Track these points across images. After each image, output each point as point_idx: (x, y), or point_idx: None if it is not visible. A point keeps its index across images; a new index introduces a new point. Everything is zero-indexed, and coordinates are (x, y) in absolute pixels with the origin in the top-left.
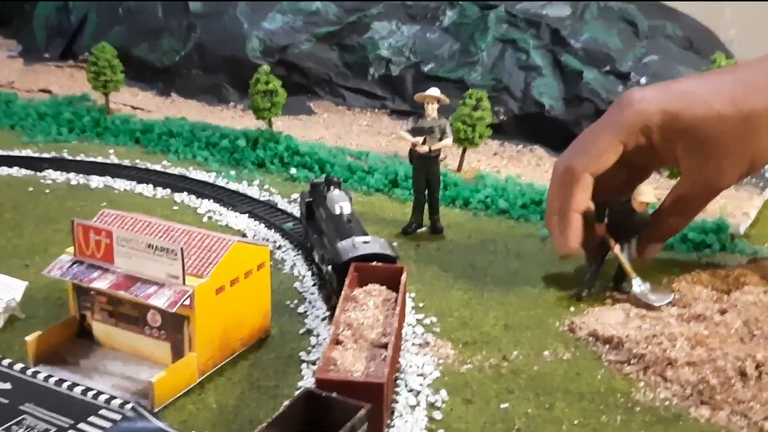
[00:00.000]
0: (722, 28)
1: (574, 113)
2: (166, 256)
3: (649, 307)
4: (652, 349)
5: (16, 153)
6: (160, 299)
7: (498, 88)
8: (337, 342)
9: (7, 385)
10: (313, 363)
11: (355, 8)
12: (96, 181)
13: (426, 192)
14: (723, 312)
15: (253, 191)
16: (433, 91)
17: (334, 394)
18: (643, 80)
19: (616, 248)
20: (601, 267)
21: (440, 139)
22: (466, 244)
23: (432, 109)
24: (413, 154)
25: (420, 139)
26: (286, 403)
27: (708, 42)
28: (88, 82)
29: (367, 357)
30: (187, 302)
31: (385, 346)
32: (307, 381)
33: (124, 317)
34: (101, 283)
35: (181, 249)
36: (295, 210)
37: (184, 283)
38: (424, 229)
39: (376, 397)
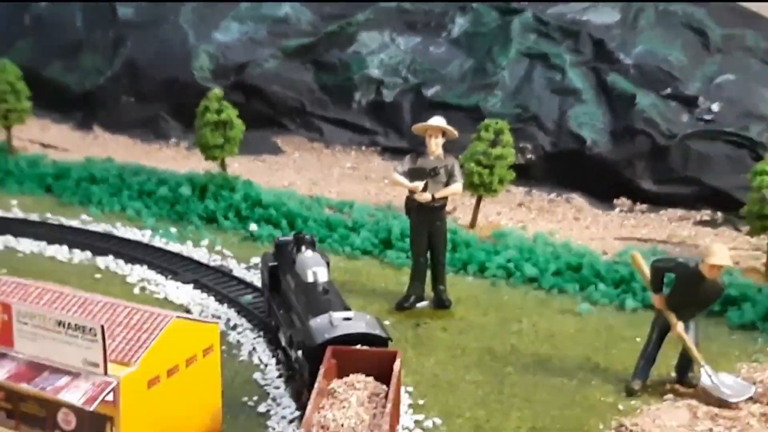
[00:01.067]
0: None
1: (625, 151)
2: (82, 336)
3: (723, 403)
4: None
5: None
6: (75, 394)
7: (524, 117)
8: None
9: None
10: None
11: (336, 14)
12: None
13: (428, 254)
14: None
15: (201, 254)
16: (437, 121)
17: None
18: (714, 107)
19: (679, 327)
20: (658, 351)
21: (446, 184)
22: (482, 323)
23: (436, 145)
24: (411, 204)
25: (420, 185)
26: None
27: None
28: None
29: None
30: (110, 398)
31: None
32: None
33: (28, 418)
34: None
35: (102, 327)
36: (256, 279)
37: (105, 372)
38: (425, 303)
39: None
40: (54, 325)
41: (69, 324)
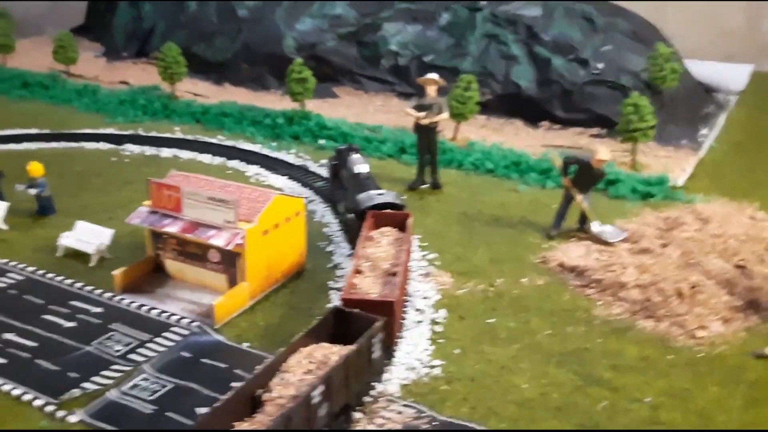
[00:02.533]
0: (665, 24)
1: (545, 93)
2: (224, 206)
3: (606, 243)
4: (608, 275)
5: (101, 131)
6: (219, 240)
7: (484, 74)
8: (357, 271)
9: (99, 309)
10: (339, 290)
11: (370, 12)
12: (165, 152)
13: (428, 156)
14: (664, 246)
15: (290, 158)
16: (432, 76)
17: (357, 310)
18: (600, 66)
19: (579, 197)
20: (567, 212)
21: (438, 114)
22: (460, 198)
23: (432, 90)
24: (417, 126)
25: (423, 114)
26: (318, 317)
27: (652, 35)
28: (158, 74)
29: (381, 283)
30: (240, 242)
31: (395, 274)
32: (335, 303)
33: (190, 255)
34: (172, 228)
35: (236, 200)
36: (324, 172)
37: (237, 226)
38: (426, 185)
39: (389, 312)
40: (206, 199)
41: (215, 198)
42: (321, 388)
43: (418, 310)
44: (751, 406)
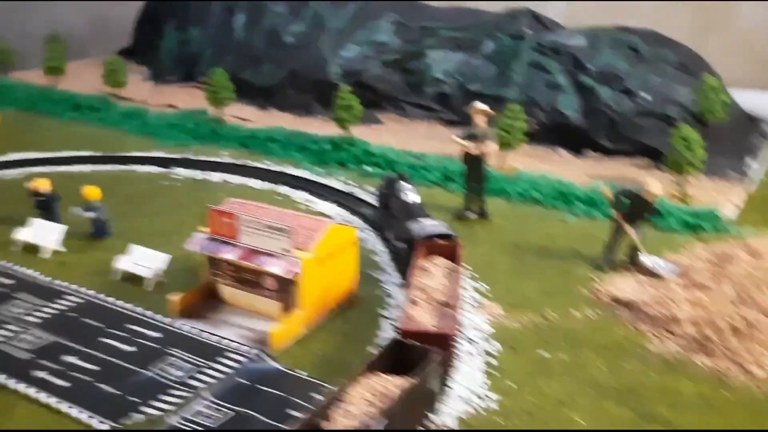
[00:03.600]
0: (707, 52)
1: (591, 122)
2: (280, 234)
3: (657, 277)
4: (661, 310)
5: (151, 154)
6: (276, 267)
7: (529, 103)
8: (412, 302)
9: (159, 334)
10: (392, 319)
11: (415, 39)
12: (215, 177)
13: (475, 185)
14: (718, 281)
15: (337, 184)
16: (482, 106)
17: (417, 343)
18: (646, 96)
19: (631, 231)
20: (617, 245)
21: (487, 144)
22: (508, 228)
23: (481, 121)
24: (466, 156)
25: (472, 144)
26: (377, 348)
27: (697, 64)
28: (205, 99)
29: (437, 314)
30: (297, 270)
31: (449, 305)
32: (387, 333)
33: (246, 282)
34: (229, 254)
35: (292, 228)
36: (371, 199)
37: (293, 255)
38: (474, 215)
39: (447, 345)
40: (263, 227)
41: (272, 226)
42: (385, 422)
43: (470, 341)
44: None
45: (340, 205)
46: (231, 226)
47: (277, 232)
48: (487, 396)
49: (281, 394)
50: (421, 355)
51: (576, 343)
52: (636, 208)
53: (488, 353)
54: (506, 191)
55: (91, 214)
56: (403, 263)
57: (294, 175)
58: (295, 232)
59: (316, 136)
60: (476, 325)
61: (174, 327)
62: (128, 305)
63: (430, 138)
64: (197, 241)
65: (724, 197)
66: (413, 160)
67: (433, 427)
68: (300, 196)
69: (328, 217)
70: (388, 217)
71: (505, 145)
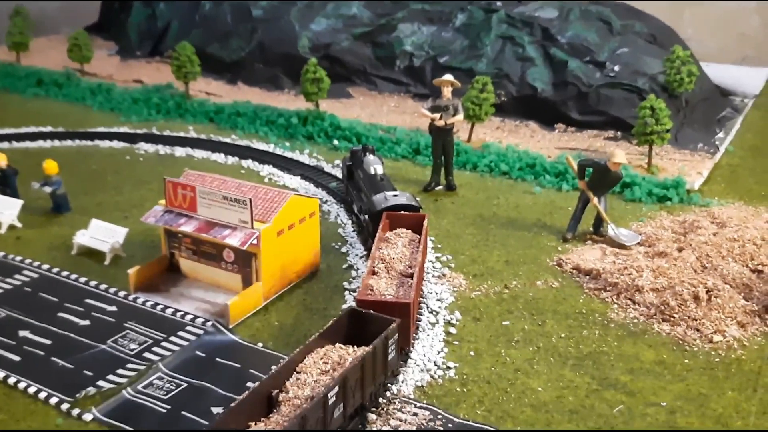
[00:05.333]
0: (681, 27)
1: (561, 95)
2: (238, 206)
3: (621, 246)
4: (624, 279)
5: (115, 130)
6: (234, 239)
7: (500, 75)
8: (373, 272)
9: (114, 308)
10: (354, 291)
11: (385, 13)
12: (179, 151)
13: (442, 157)
14: (680, 249)
15: (304, 158)
16: (448, 77)
17: (372, 312)
18: (616, 68)
19: (595, 200)
20: (582, 215)
21: (453, 115)
22: (475, 199)
23: (447, 91)
24: (432, 127)
25: (438, 115)
26: (334, 318)
27: (669, 37)
28: (172, 73)
29: (396, 284)
30: (255, 242)
31: (411, 276)
32: (350, 304)
33: (205, 254)
34: (187, 227)
35: (250, 200)
36: (338, 173)
37: (252, 227)
38: (441, 187)
39: (404, 314)
40: (221, 198)
41: (230, 198)
42: (336, 389)
43: (432, 311)
44: None
45: (306, 178)
46: (189, 198)
47: (234, 204)
48: (446, 365)
49: (238, 365)
50: (378, 324)
51: (538, 312)
52: (600, 177)
53: (449, 323)
54: (474, 163)
55: (48, 189)
56: (368, 235)
57: (259, 149)
58: (255, 203)
59: (283, 111)
60: (438, 295)
61: (130, 301)
62: (85, 279)
63: (400, 112)
64: (154, 214)
65: (691, 168)
66: (382, 133)
67: (389, 394)
68: (265, 170)
69: (293, 189)
70: (352, 190)
71: (473, 117)
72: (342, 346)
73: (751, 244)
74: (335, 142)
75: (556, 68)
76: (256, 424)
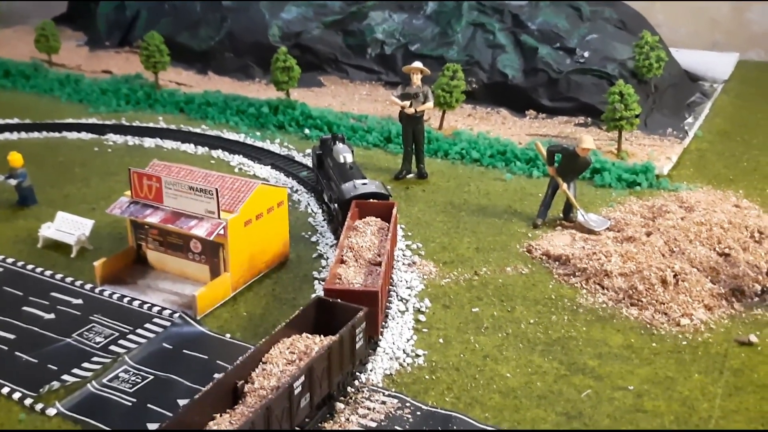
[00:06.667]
0: (652, 14)
1: (531, 81)
2: (205, 196)
3: (591, 231)
4: (592, 264)
5: (83, 121)
6: (200, 230)
7: (470, 62)
8: (341, 261)
9: (80, 301)
10: (323, 280)
11: (356, 1)
12: (148, 142)
13: (413, 145)
14: (649, 234)
15: (275, 148)
16: (417, 64)
17: (339, 301)
18: (586, 54)
19: (564, 186)
20: (552, 201)
21: (423, 103)
22: (446, 187)
23: (417, 79)
24: (402, 115)
25: (407, 103)
26: (300, 308)
27: (638, 23)
28: (141, 63)
29: (365, 272)
30: (222, 232)
31: (379, 264)
32: (320, 293)
33: (172, 246)
34: (153, 218)
35: (216, 190)
36: (309, 162)
37: (219, 217)
38: (412, 175)
39: (372, 302)
40: (187, 189)
41: (196, 188)
42: (302, 379)
43: (402, 299)
44: (734, 393)
45: (276, 168)
46: (155, 189)
47: (201, 194)
48: (415, 352)
49: (206, 357)
50: (345, 313)
51: (507, 298)
52: (569, 163)
53: (419, 310)
54: (445, 151)
55: (13, 181)
56: (338, 224)
57: (230, 139)
58: (221, 193)
59: (254, 100)
60: (408, 283)
61: (96, 293)
62: (50, 273)
63: (372, 100)
64: (119, 205)
65: (660, 153)
66: (354, 122)
67: (357, 383)
68: (235, 160)
69: (263, 179)
70: (322, 178)
71: (443, 104)
72: (309, 335)
73: (718, 228)
74: (306, 131)
75: (526, 55)
76: (221, 415)
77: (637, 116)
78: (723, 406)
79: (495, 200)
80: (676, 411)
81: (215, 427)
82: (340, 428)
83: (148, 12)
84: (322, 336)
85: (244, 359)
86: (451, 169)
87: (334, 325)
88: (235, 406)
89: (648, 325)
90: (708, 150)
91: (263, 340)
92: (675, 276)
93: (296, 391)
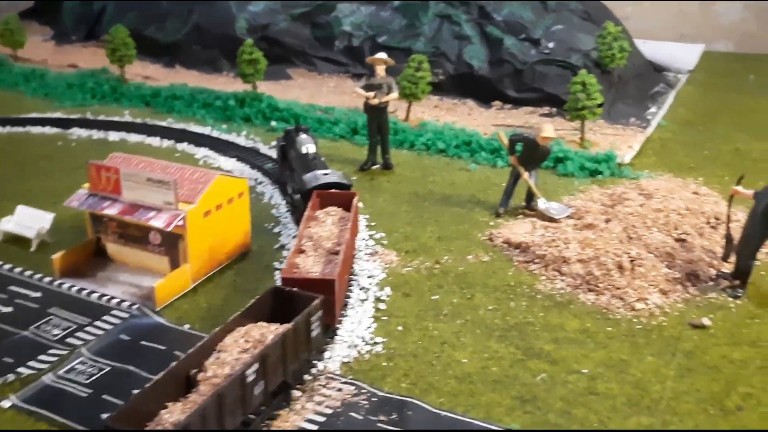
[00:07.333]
0: (621, 6)
1: (497, 72)
2: (163, 187)
3: (551, 219)
4: (551, 251)
5: (48, 115)
6: (159, 221)
7: (437, 54)
8: (300, 251)
9: (38, 294)
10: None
11: None
12: (113, 136)
13: (378, 136)
14: (608, 221)
15: (241, 140)
16: (381, 55)
17: (295, 289)
18: (550, 45)
19: (526, 174)
20: (514, 190)
21: (388, 94)
22: (411, 177)
23: (381, 70)
24: (367, 106)
25: (372, 94)
26: (256, 297)
27: (603, 14)
28: (107, 57)
29: (324, 262)
30: (181, 223)
31: (337, 253)
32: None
33: (131, 238)
34: (111, 210)
35: (174, 181)
36: (274, 154)
37: (177, 208)
38: (377, 166)
39: (329, 290)
40: (145, 180)
41: (154, 179)
42: (255, 366)
43: (362, 288)
44: (685, 375)
45: (242, 160)
46: (113, 180)
47: (159, 185)
48: (374, 340)
49: (163, 348)
50: (302, 301)
51: (467, 285)
52: (531, 152)
53: (379, 299)
54: (411, 142)
55: None
56: (300, 215)
57: (196, 132)
58: (181, 184)
59: (221, 93)
60: (370, 273)
61: (55, 286)
62: (9, 266)
63: (339, 92)
64: (78, 198)
65: (623, 142)
66: (320, 114)
67: (314, 371)
68: (200, 153)
69: (227, 171)
70: (286, 170)
71: (409, 95)
72: (264, 324)
73: (675, 214)
74: (273, 123)
75: (492, 46)
76: (174, 403)
77: (599, 106)
78: (674, 387)
79: (459, 190)
80: (628, 393)
81: (167, 415)
82: (295, 416)
83: (115, 6)
84: (278, 324)
85: (197, 348)
86: (417, 159)
87: (291, 314)
88: (188, 395)
89: (604, 310)
90: (670, 139)
91: (217, 329)
92: (631, 261)
93: (249, 379)
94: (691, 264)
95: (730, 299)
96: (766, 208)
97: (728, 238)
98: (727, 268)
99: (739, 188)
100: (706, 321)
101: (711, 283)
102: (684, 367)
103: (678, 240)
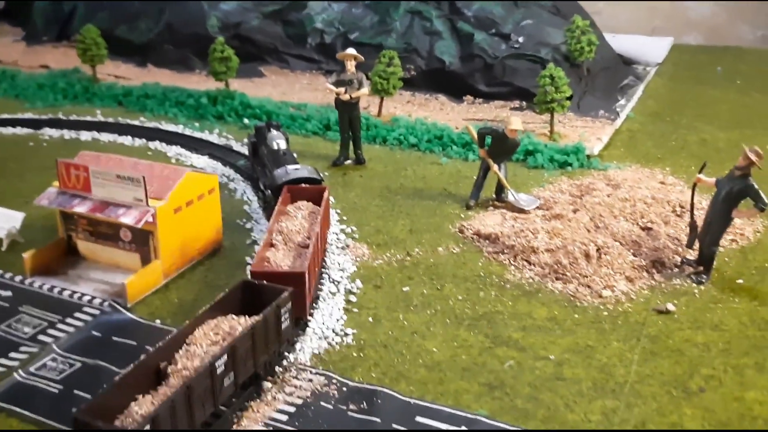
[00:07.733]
0: (591, 3)
1: (468, 67)
2: (132, 184)
3: (521, 210)
4: (520, 241)
5: (19, 116)
6: (129, 218)
7: (409, 49)
8: (270, 245)
9: (8, 293)
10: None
11: None
12: (85, 136)
13: (350, 132)
14: (575, 211)
15: (213, 138)
16: (351, 51)
17: (265, 283)
18: (520, 39)
19: (495, 167)
20: (484, 182)
21: (358, 89)
22: (383, 172)
23: (351, 65)
24: (338, 102)
25: (343, 89)
26: (226, 290)
27: (572, 9)
28: (78, 57)
29: (294, 255)
30: (151, 219)
31: (308, 246)
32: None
33: (102, 235)
34: (81, 208)
35: (143, 177)
36: (246, 151)
37: (147, 204)
38: (350, 161)
39: (299, 283)
40: (114, 177)
41: (123, 176)
42: (224, 358)
43: (333, 281)
44: (650, 359)
45: (214, 157)
46: (82, 178)
47: (128, 182)
48: (344, 332)
49: (134, 343)
50: (271, 294)
51: (438, 277)
52: (499, 145)
53: (350, 291)
54: (384, 137)
55: None
56: (272, 210)
57: (168, 131)
58: (150, 181)
59: (193, 91)
60: (341, 266)
61: (26, 285)
62: None
63: (312, 89)
64: (47, 196)
65: (592, 134)
66: (293, 110)
67: (285, 363)
68: (173, 151)
69: (200, 169)
70: (257, 166)
71: (381, 91)
72: (234, 316)
73: (641, 203)
74: (245, 120)
75: (463, 41)
76: (143, 396)
77: (568, 98)
78: (638, 371)
79: (431, 184)
80: (594, 377)
81: (137, 408)
82: (266, 406)
83: (86, 6)
84: (247, 317)
85: (167, 341)
86: (389, 154)
87: (261, 308)
88: (159, 387)
89: (572, 298)
90: (639, 130)
91: (187, 322)
92: (598, 250)
93: (219, 371)
94: (656, 252)
95: (695, 285)
96: (726, 195)
97: (692, 225)
98: (692, 255)
99: (702, 176)
100: (670, 306)
101: (676, 270)
102: (648, 351)
103: (644, 228)
